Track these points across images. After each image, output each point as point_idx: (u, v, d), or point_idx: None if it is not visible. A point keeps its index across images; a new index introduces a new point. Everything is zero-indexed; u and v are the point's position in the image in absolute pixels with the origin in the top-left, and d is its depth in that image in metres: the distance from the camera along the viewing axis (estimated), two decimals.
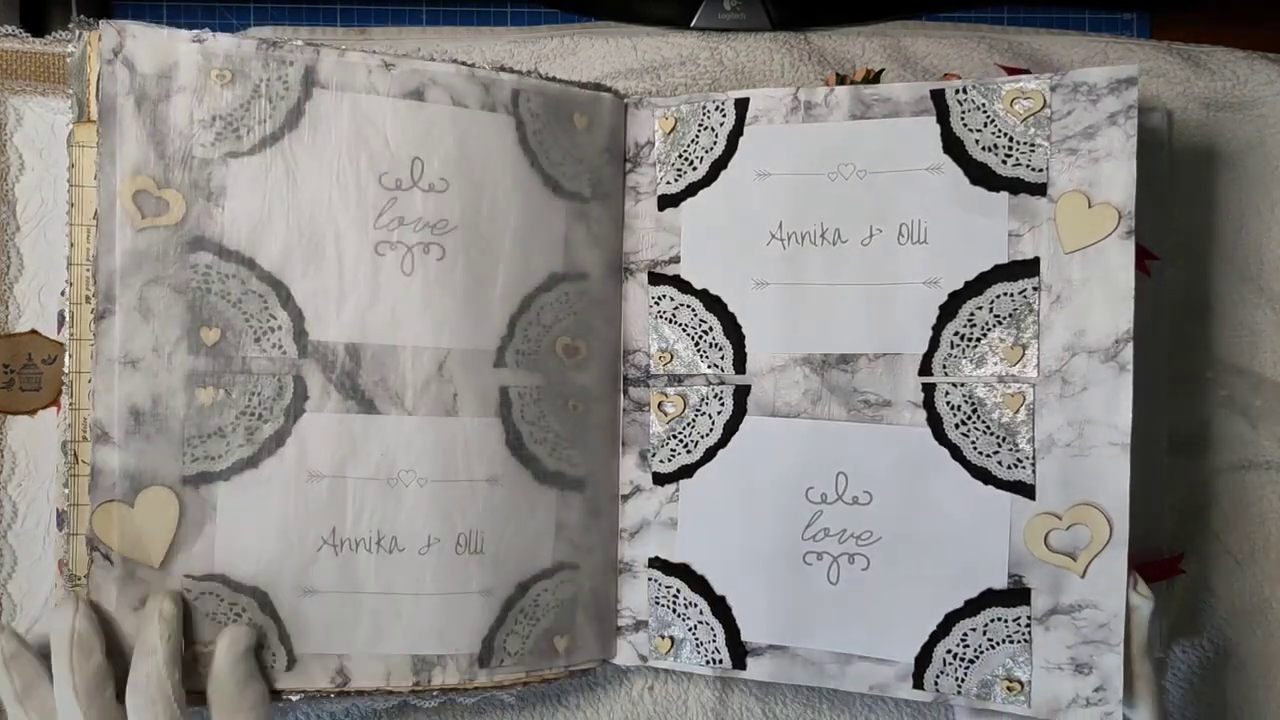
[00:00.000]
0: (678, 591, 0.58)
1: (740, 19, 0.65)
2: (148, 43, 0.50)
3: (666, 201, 0.59)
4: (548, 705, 0.62)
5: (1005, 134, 0.53)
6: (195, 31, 0.51)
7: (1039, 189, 0.53)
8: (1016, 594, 0.53)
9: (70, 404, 0.50)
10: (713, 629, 0.57)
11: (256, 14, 0.67)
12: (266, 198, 0.51)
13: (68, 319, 0.51)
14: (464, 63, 0.55)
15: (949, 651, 0.54)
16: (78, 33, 0.50)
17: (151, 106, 0.50)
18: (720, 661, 0.57)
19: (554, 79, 0.57)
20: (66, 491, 0.51)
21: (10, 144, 0.57)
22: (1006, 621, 0.53)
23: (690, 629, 0.58)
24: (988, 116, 0.54)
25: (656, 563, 0.58)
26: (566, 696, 0.62)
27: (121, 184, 0.50)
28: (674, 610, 0.58)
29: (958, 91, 0.54)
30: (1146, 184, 0.56)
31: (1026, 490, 0.53)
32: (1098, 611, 0.51)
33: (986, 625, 0.53)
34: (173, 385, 0.50)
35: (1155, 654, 0.61)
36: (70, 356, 0.50)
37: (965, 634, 0.53)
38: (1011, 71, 0.61)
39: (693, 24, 0.65)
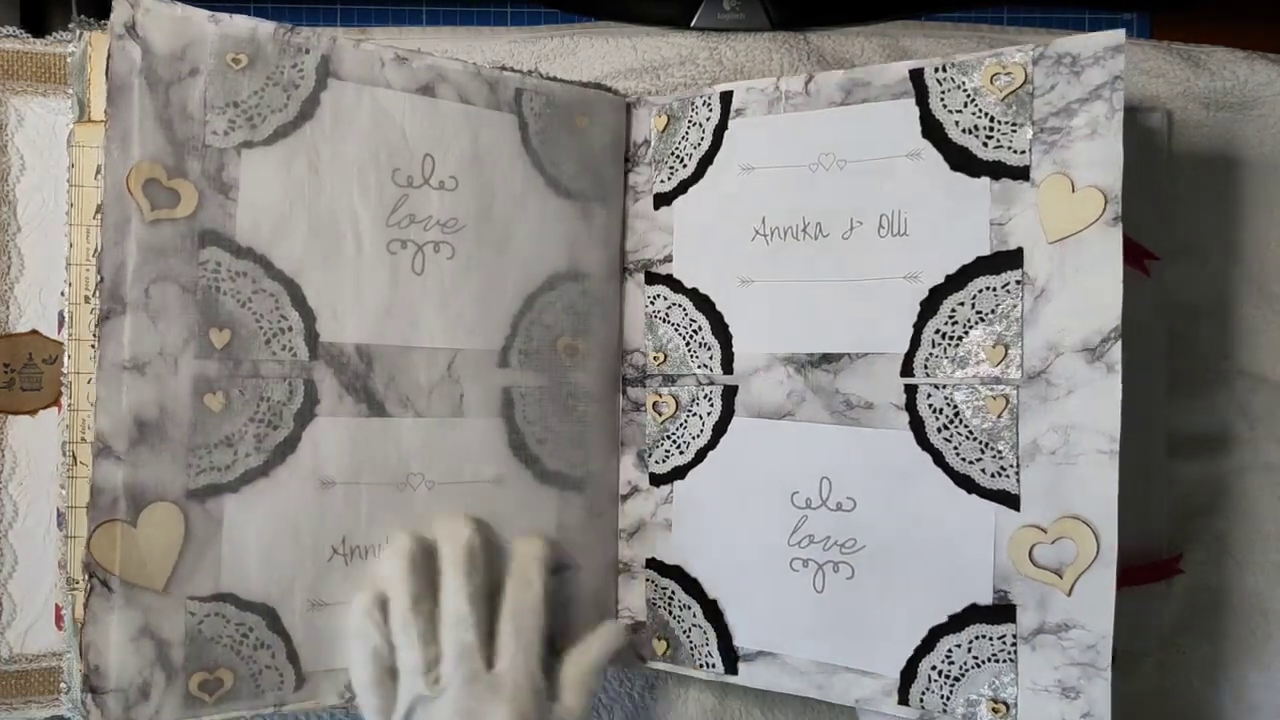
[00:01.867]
0: (673, 593, 0.57)
1: (740, 19, 0.65)
2: (162, 19, 0.47)
3: (661, 200, 0.58)
4: None
5: (986, 114, 0.50)
6: (210, 12, 0.49)
7: (1021, 173, 0.49)
8: (1002, 610, 0.50)
9: (69, 404, 0.50)
10: (705, 633, 0.57)
11: (256, 14, 0.66)
12: (279, 192, 0.50)
13: (67, 319, 0.50)
14: (468, 62, 0.55)
15: (934, 668, 0.51)
16: (78, 33, 0.50)
17: (164, 89, 0.47)
18: (713, 666, 0.56)
19: (555, 79, 0.57)
20: (64, 493, 0.50)
21: (11, 144, 0.57)
22: (992, 639, 0.50)
23: (685, 631, 0.57)
24: (967, 96, 0.51)
25: (653, 564, 0.58)
26: None
27: (130, 171, 0.47)
28: (669, 612, 0.58)
29: (937, 70, 0.51)
30: (1146, 184, 0.56)
31: (1011, 500, 0.50)
32: (1085, 632, 0.48)
33: (971, 642, 0.50)
34: (179, 392, 0.48)
35: (1156, 656, 0.61)
36: (69, 357, 0.50)
37: (950, 650, 0.51)
38: None
39: (692, 24, 0.66)
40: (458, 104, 0.54)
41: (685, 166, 0.58)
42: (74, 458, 0.50)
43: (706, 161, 0.57)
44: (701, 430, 0.57)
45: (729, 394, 0.56)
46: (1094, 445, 0.48)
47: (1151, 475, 0.60)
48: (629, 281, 0.59)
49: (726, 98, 0.57)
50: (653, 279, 0.58)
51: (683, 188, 0.58)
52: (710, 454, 0.57)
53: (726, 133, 0.56)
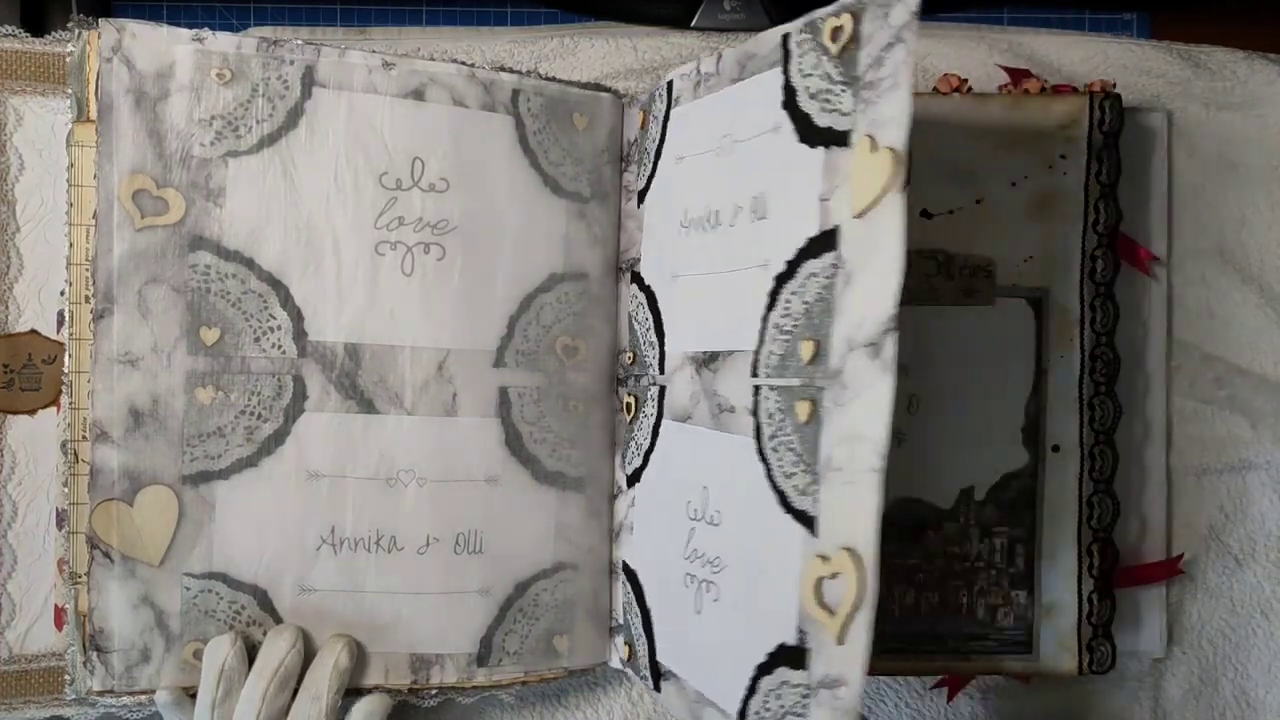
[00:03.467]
0: (630, 599, 0.56)
1: (740, 19, 0.65)
2: (147, 41, 0.50)
3: (640, 198, 0.57)
4: (547, 705, 0.62)
5: (826, 75, 0.42)
6: (194, 30, 0.51)
7: (843, 138, 0.41)
8: (800, 654, 0.41)
9: (70, 403, 0.51)
10: (645, 642, 0.54)
11: (256, 14, 0.67)
12: (264, 198, 0.52)
13: (67, 319, 0.51)
14: (464, 63, 0.55)
15: (756, 714, 0.43)
16: (77, 32, 0.51)
17: (150, 105, 0.50)
18: (645, 679, 0.53)
19: (554, 79, 0.57)
20: (66, 491, 0.51)
21: (10, 144, 0.57)
22: (791, 686, 0.41)
23: (639, 637, 0.55)
24: (817, 56, 0.43)
25: (625, 567, 0.57)
26: (566, 696, 0.62)
27: (120, 183, 0.50)
28: (629, 617, 0.56)
29: (801, 30, 0.44)
30: (1146, 185, 0.56)
31: (810, 523, 0.40)
32: (848, 689, 0.38)
33: (778, 688, 0.42)
34: (172, 385, 0.51)
35: (1157, 656, 0.61)
36: (70, 356, 0.51)
37: (767, 695, 0.43)
38: (1011, 72, 0.61)
39: (693, 24, 0.65)
40: (449, 107, 0.54)
41: (650, 162, 0.56)
42: (75, 455, 0.51)
43: (658, 155, 0.55)
44: (650, 433, 0.54)
45: (662, 395, 0.53)
46: (867, 462, 0.37)
47: (1152, 475, 0.60)
48: (623, 281, 0.59)
49: (670, 86, 0.54)
50: (634, 278, 0.57)
51: (649, 184, 0.56)
52: (651, 457, 0.54)
53: (669, 123, 0.54)
